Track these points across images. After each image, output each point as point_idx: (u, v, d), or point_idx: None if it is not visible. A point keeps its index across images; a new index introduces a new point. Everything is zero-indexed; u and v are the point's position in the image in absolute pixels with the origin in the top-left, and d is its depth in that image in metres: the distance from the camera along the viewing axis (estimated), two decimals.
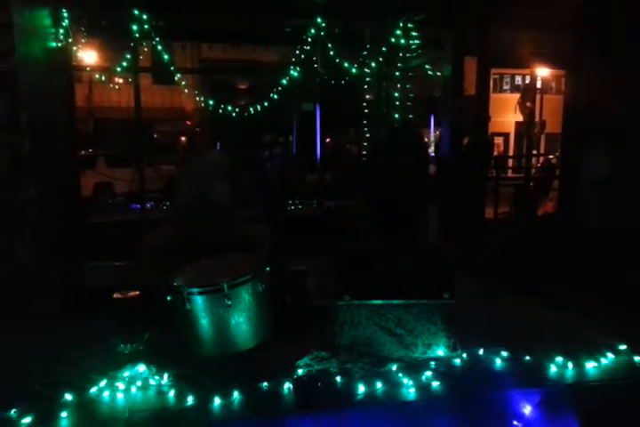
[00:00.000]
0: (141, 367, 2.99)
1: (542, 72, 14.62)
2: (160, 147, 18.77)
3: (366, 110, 8.81)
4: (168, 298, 3.18)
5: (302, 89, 8.18)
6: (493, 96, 11.29)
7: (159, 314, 3.32)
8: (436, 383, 2.86)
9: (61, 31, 6.33)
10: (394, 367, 3.01)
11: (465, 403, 2.79)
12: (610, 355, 3.17)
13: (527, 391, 2.82)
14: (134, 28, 6.50)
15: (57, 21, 6.30)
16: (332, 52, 7.26)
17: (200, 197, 3.90)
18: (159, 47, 6.82)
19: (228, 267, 3.35)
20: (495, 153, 19.90)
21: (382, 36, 7.50)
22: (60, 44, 6.36)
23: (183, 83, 7.78)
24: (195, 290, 3.08)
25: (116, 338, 3.21)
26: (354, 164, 10.32)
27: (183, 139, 22.22)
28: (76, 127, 7.46)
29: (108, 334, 3.24)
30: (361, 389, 2.78)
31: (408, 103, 7.64)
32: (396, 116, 7.54)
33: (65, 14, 6.31)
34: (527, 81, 19.55)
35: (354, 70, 7.57)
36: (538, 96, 16.49)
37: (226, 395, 2.69)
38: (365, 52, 8.06)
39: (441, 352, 3.21)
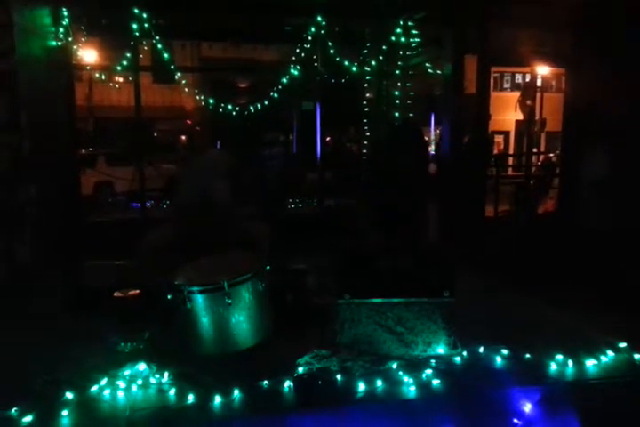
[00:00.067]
0: (142, 366, 2.99)
1: (542, 70, 14.64)
2: (160, 146, 18.76)
3: (366, 109, 8.81)
4: (168, 297, 3.19)
5: (302, 88, 8.17)
6: (494, 94, 11.27)
7: (160, 313, 3.33)
8: (436, 381, 2.86)
9: (61, 30, 6.32)
10: (394, 365, 3.01)
11: (465, 401, 2.79)
12: (610, 353, 3.18)
13: (527, 389, 2.83)
14: (134, 26, 6.50)
15: (57, 20, 6.30)
16: (332, 51, 7.25)
17: (200, 195, 3.91)
18: (159, 46, 6.82)
19: (229, 265, 3.36)
20: (495, 151, 19.92)
21: (382, 35, 7.50)
22: (60, 44, 6.35)
23: (183, 82, 7.76)
24: (195, 289, 3.09)
25: (116, 337, 3.22)
26: (354, 162, 10.32)
27: (183, 138, 22.23)
28: (77, 126, 7.46)
29: (108, 333, 3.25)
30: (361, 387, 2.79)
31: (408, 102, 7.64)
32: (397, 114, 7.54)
33: (65, 13, 6.30)
34: (527, 79, 19.56)
35: (354, 69, 7.56)
36: (538, 94, 16.50)
37: (226, 393, 2.69)
38: (365, 51, 8.05)
39: (441, 350, 3.21)
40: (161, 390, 2.79)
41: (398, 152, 5.54)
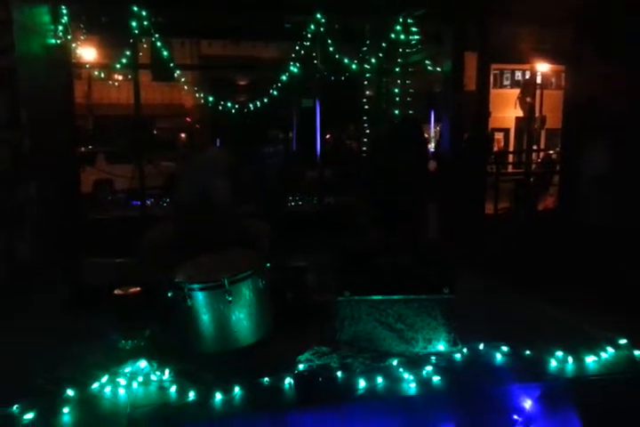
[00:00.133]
0: (143, 363, 2.99)
1: (542, 67, 14.59)
2: (160, 143, 18.78)
3: (366, 106, 8.80)
4: (169, 294, 3.19)
5: (302, 85, 8.17)
6: (493, 91, 11.28)
7: (160, 310, 3.33)
8: (436, 378, 2.86)
9: (61, 28, 6.31)
10: (394, 362, 3.01)
11: (465, 398, 2.80)
12: (610, 349, 3.18)
13: (527, 386, 2.83)
14: (133, 24, 6.50)
15: (56, 18, 6.29)
16: (331, 48, 7.24)
17: (200, 193, 3.90)
18: (158, 44, 6.82)
19: (229, 263, 3.36)
20: (495, 148, 19.94)
21: (382, 32, 7.48)
22: (59, 41, 6.34)
23: (183, 79, 7.78)
24: (196, 286, 3.09)
25: (117, 334, 3.23)
26: (354, 160, 10.33)
27: (183, 135, 22.23)
28: (76, 124, 7.46)
29: (109, 331, 3.26)
30: (362, 384, 2.79)
31: (408, 99, 7.63)
32: (396, 111, 7.53)
33: (64, 11, 6.29)
34: (527, 76, 19.53)
35: (354, 66, 7.55)
36: (538, 91, 16.48)
37: (227, 390, 2.70)
38: (365, 48, 8.03)
39: (441, 347, 3.21)
40: (162, 388, 2.79)
41: (398, 149, 5.52)
